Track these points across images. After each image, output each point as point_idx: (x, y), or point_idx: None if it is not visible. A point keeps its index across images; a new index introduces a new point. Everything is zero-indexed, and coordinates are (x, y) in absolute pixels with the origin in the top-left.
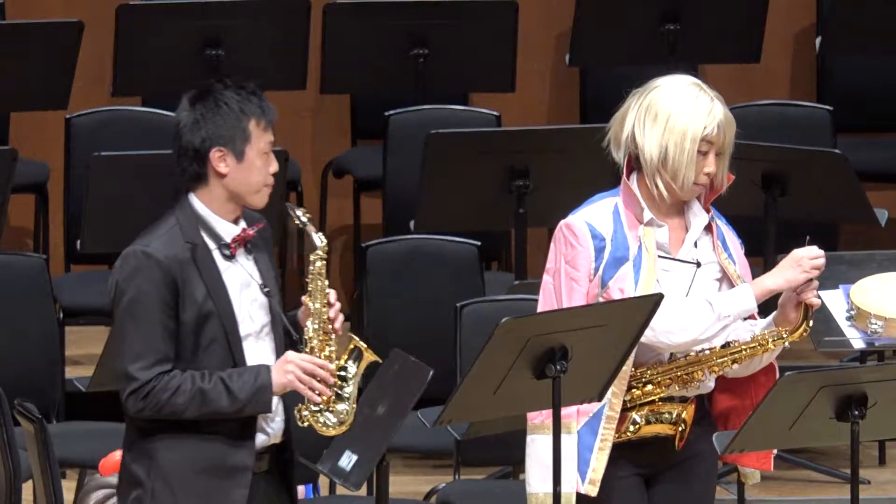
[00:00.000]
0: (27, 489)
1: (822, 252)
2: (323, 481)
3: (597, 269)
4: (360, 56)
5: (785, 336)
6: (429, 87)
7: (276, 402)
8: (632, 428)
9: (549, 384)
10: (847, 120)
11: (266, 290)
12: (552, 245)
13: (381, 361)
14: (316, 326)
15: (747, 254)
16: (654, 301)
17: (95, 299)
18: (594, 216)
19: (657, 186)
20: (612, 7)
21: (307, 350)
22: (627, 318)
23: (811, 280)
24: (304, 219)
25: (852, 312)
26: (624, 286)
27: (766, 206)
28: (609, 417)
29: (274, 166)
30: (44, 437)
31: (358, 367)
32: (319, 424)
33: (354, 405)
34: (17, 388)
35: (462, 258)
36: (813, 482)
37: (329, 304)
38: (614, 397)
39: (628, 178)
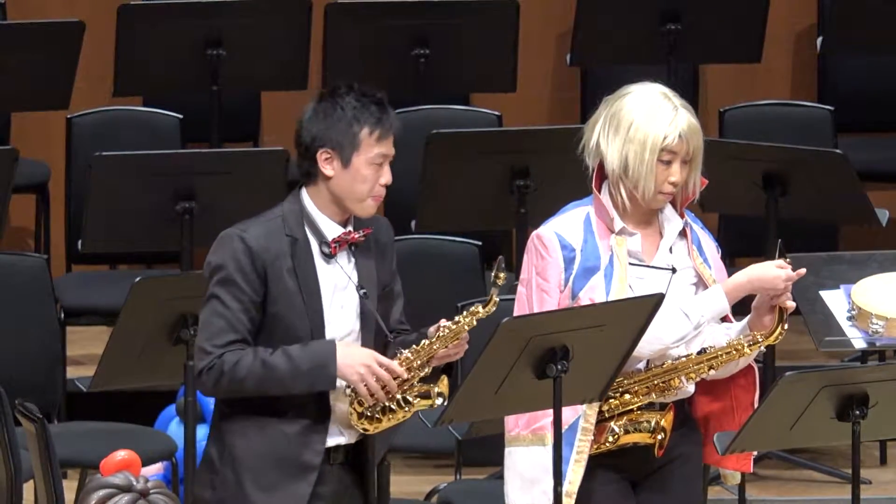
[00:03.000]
0: (28, 489)
1: (787, 269)
2: None
3: (567, 280)
4: (361, 56)
5: (760, 340)
6: (430, 87)
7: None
8: (610, 438)
9: (551, 384)
10: (848, 120)
11: (362, 290)
12: (525, 256)
13: (434, 408)
14: (420, 352)
15: (748, 254)
16: (654, 301)
17: (96, 299)
18: (564, 227)
19: (621, 195)
20: (612, 7)
21: (394, 358)
22: (628, 318)
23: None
24: (498, 282)
25: (853, 312)
26: (594, 296)
27: (766, 205)
28: (584, 429)
29: (386, 178)
30: (45, 436)
31: (416, 403)
32: (355, 418)
33: (395, 429)
34: (19, 388)
35: (463, 258)
36: (814, 482)
37: (448, 348)
38: (589, 409)
39: (599, 186)
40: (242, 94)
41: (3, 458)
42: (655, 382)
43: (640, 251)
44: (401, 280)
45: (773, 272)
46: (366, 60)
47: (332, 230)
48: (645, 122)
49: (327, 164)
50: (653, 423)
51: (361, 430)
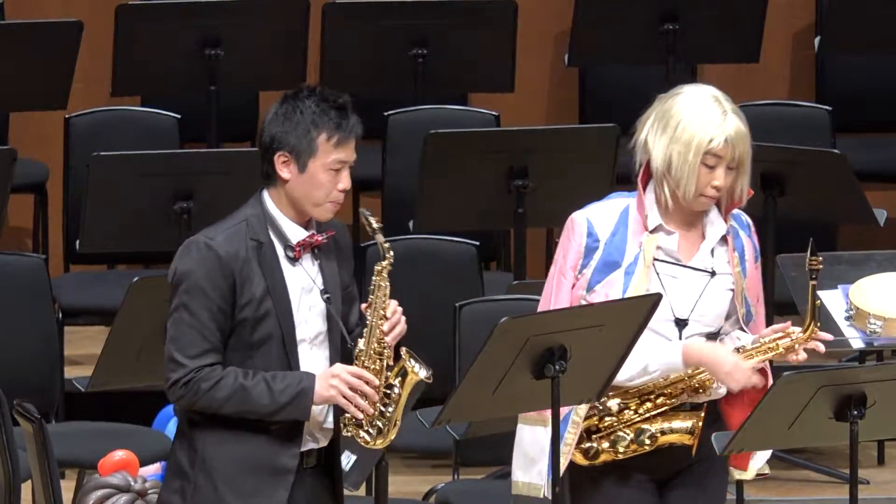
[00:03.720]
0: (26, 489)
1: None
2: None
3: (583, 267)
4: (358, 56)
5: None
6: (428, 86)
7: (326, 410)
8: (647, 441)
9: (549, 384)
10: (846, 120)
11: (326, 295)
12: (561, 237)
13: (427, 380)
14: (370, 340)
15: None
16: (652, 301)
17: (94, 299)
18: (599, 215)
19: (665, 193)
20: (610, 7)
21: (357, 363)
22: (626, 318)
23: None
24: (375, 226)
25: (851, 312)
26: (611, 292)
27: (765, 205)
28: (574, 422)
29: (344, 184)
30: (43, 437)
31: (403, 388)
32: (360, 437)
33: (398, 423)
34: (17, 388)
35: (461, 258)
36: (812, 482)
37: (385, 318)
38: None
39: (645, 182)
40: (240, 94)
41: (0, 459)
42: (690, 384)
43: (675, 250)
44: (399, 280)
45: (722, 373)
46: (364, 60)
47: (295, 233)
48: (692, 122)
49: (284, 168)
50: (690, 425)
51: (381, 447)
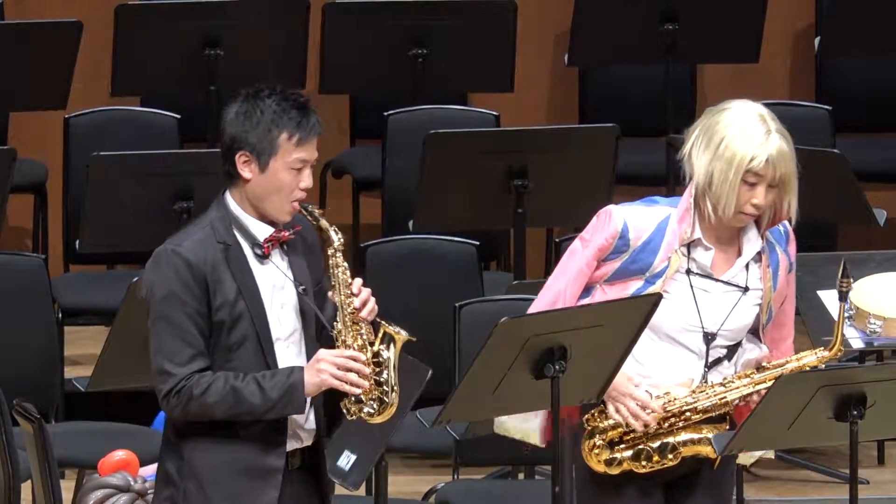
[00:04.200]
0: (26, 489)
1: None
2: None
3: (606, 260)
4: (358, 56)
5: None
6: (428, 87)
7: (308, 407)
8: (671, 456)
9: (548, 384)
10: (846, 120)
11: (301, 287)
12: (594, 219)
13: (414, 339)
14: (344, 319)
15: None
16: (652, 302)
17: (94, 299)
18: (638, 219)
19: (707, 208)
20: (610, 7)
21: (338, 345)
22: (625, 318)
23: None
24: (317, 213)
25: (851, 312)
26: (623, 295)
27: None
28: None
29: (306, 182)
30: (43, 437)
31: (392, 351)
32: (364, 415)
33: (397, 387)
34: (16, 388)
35: (461, 258)
36: (811, 482)
37: (353, 294)
38: None
39: (690, 195)
40: None
41: (0, 459)
42: (720, 401)
43: (708, 265)
44: (399, 280)
45: (625, 415)
46: (363, 60)
47: (261, 231)
48: (735, 140)
49: (245, 167)
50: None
51: (388, 417)
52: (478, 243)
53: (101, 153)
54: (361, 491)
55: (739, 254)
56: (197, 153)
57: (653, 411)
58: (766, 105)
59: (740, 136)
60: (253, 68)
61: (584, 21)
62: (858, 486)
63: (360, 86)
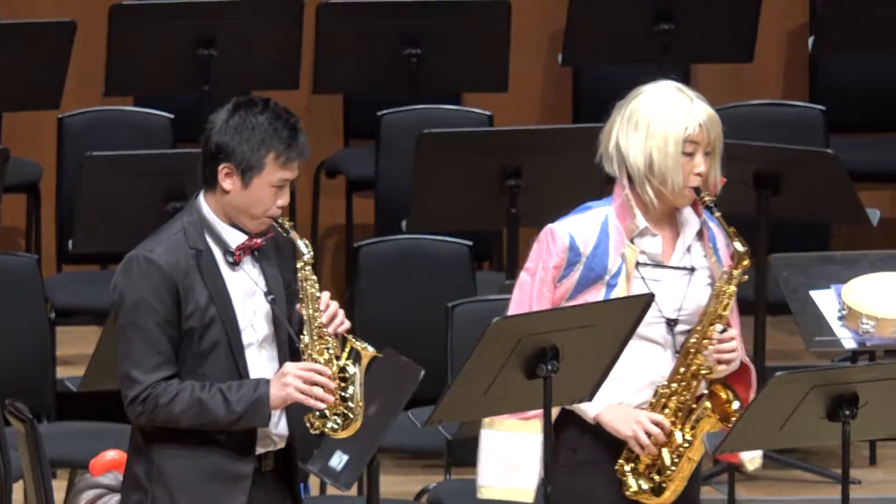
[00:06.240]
0: (18, 489)
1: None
2: (313, 481)
3: (562, 278)
4: (352, 56)
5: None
6: (421, 86)
7: (279, 412)
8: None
9: (541, 384)
10: (840, 120)
11: (270, 297)
12: (535, 245)
13: (380, 356)
14: (311, 333)
15: None
16: (644, 301)
17: (87, 299)
18: (580, 227)
19: (648, 194)
20: (605, 7)
21: (305, 358)
22: (617, 319)
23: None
24: (287, 225)
25: (844, 312)
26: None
27: (758, 205)
28: None
29: (283, 200)
30: (35, 437)
31: (358, 367)
32: (328, 429)
33: (361, 404)
34: (9, 388)
35: (454, 258)
36: (803, 482)
37: (321, 310)
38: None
39: (622, 188)
40: (234, 95)
41: None
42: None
43: (658, 253)
44: (392, 280)
45: (625, 434)
46: (357, 60)
47: (233, 237)
48: (664, 115)
49: (227, 179)
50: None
51: (350, 434)
52: (471, 243)
53: (95, 153)
54: (353, 491)
55: (679, 236)
56: (191, 153)
57: (660, 424)
58: (761, 105)
59: (667, 110)
60: (247, 68)
61: (578, 21)
62: (850, 486)
63: (353, 86)
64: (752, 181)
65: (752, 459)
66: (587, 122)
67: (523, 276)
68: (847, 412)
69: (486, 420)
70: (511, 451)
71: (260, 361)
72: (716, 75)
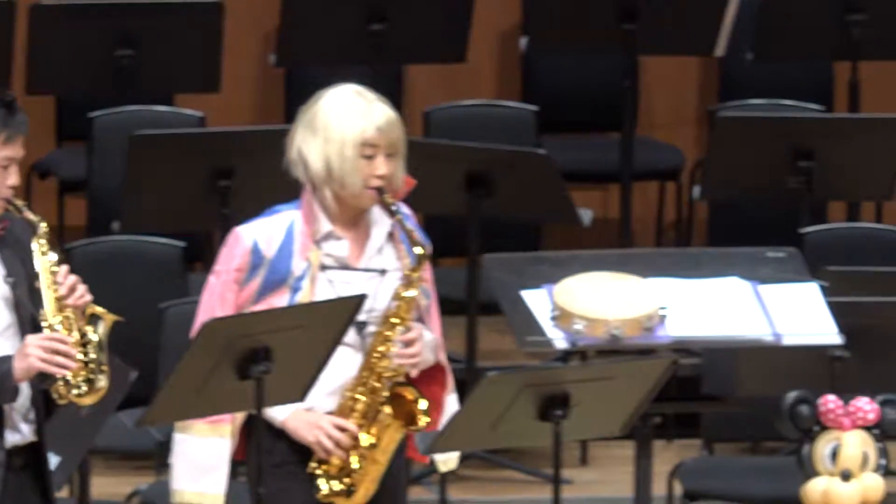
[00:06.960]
0: None
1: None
2: None
3: (246, 281)
4: (65, 57)
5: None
6: (135, 88)
7: (27, 400)
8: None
9: (253, 385)
10: (553, 120)
11: (10, 279)
12: (222, 248)
13: (122, 320)
14: (49, 304)
15: (451, 254)
16: (355, 302)
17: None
18: (264, 231)
19: (327, 197)
20: (317, 7)
21: (45, 329)
22: (328, 320)
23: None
24: (20, 205)
25: (556, 313)
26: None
27: (469, 206)
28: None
29: (13, 180)
30: None
31: (99, 331)
32: (74, 396)
33: (106, 367)
34: None
35: (166, 259)
36: (516, 482)
37: (58, 283)
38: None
39: (308, 192)
40: None
41: None
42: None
43: (345, 256)
44: (104, 281)
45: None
46: (70, 61)
47: None
48: (340, 119)
49: None
50: (387, 414)
51: (98, 398)
52: (183, 244)
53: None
54: (64, 492)
55: (369, 238)
56: None
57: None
58: (473, 106)
59: (344, 113)
60: None
61: (291, 21)
62: (562, 485)
63: (66, 87)
64: (464, 182)
65: (445, 461)
66: None
67: (211, 278)
68: (558, 412)
69: (180, 424)
70: (201, 456)
71: (3, 350)
72: (429, 76)
